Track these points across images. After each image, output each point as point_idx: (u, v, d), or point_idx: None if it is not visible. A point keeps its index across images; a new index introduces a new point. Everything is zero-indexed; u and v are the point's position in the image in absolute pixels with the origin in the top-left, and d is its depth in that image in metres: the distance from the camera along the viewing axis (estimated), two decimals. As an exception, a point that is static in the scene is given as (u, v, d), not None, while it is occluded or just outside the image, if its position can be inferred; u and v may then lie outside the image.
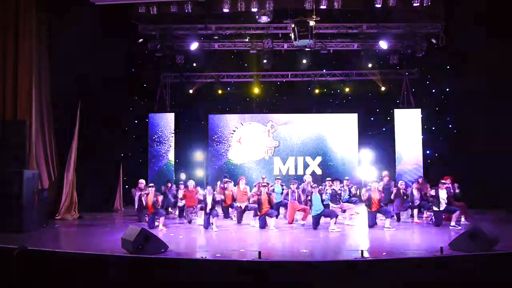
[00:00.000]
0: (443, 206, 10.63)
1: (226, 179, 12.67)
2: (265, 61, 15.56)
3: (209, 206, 10.73)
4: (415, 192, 11.61)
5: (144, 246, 7.57)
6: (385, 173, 13.08)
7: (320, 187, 11.25)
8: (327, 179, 11.70)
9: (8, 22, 11.16)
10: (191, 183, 11.66)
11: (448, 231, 10.10)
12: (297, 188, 11.31)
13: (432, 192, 10.74)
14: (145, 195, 11.33)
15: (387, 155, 16.21)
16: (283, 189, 12.14)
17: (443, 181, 10.92)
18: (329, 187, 11.17)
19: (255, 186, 12.29)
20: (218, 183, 12.95)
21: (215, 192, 11.21)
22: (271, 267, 6.47)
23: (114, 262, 6.80)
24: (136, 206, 12.05)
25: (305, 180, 11.89)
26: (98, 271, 6.59)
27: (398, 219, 11.71)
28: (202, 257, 7.41)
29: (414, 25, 14.26)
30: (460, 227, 10.34)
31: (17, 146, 10.79)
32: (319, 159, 16.79)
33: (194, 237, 10.13)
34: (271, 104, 17.51)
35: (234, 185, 12.28)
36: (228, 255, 7.93)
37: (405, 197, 11.62)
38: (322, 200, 10.72)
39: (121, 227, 10.70)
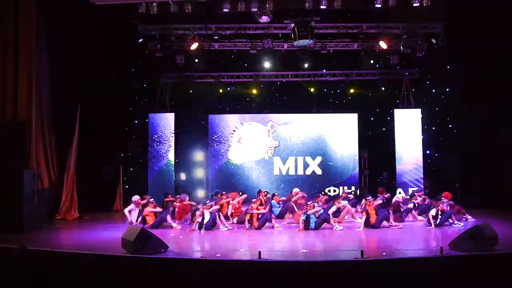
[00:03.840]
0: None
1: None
2: (265, 62, 15.52)
3: (206, 220, 10.66)
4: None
5: (144, 246, 7.57)
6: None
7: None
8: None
9: (7, 21, 11.16)
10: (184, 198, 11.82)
11: (448, 231, 10.10)
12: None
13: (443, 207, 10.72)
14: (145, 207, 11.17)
15: (387, 155, 16.19)
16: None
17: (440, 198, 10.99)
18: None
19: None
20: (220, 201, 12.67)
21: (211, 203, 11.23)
22: (271, 267, 6.48)
23: (114, 262, 6.82)
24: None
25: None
26: (98, 271, 6.60)
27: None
28: (202, 257, 7.41)
29: (414, 25, 14.24)
30: (453, 229, 10.34)
31: (17, 146, 10.79)
32: (319, 159, 16.75)
33: (194, 237, 10.13)
34: (271, 104, 17.49)
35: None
36: (228, 255, 7.93)
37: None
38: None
39: (121, 227, 10.72)
